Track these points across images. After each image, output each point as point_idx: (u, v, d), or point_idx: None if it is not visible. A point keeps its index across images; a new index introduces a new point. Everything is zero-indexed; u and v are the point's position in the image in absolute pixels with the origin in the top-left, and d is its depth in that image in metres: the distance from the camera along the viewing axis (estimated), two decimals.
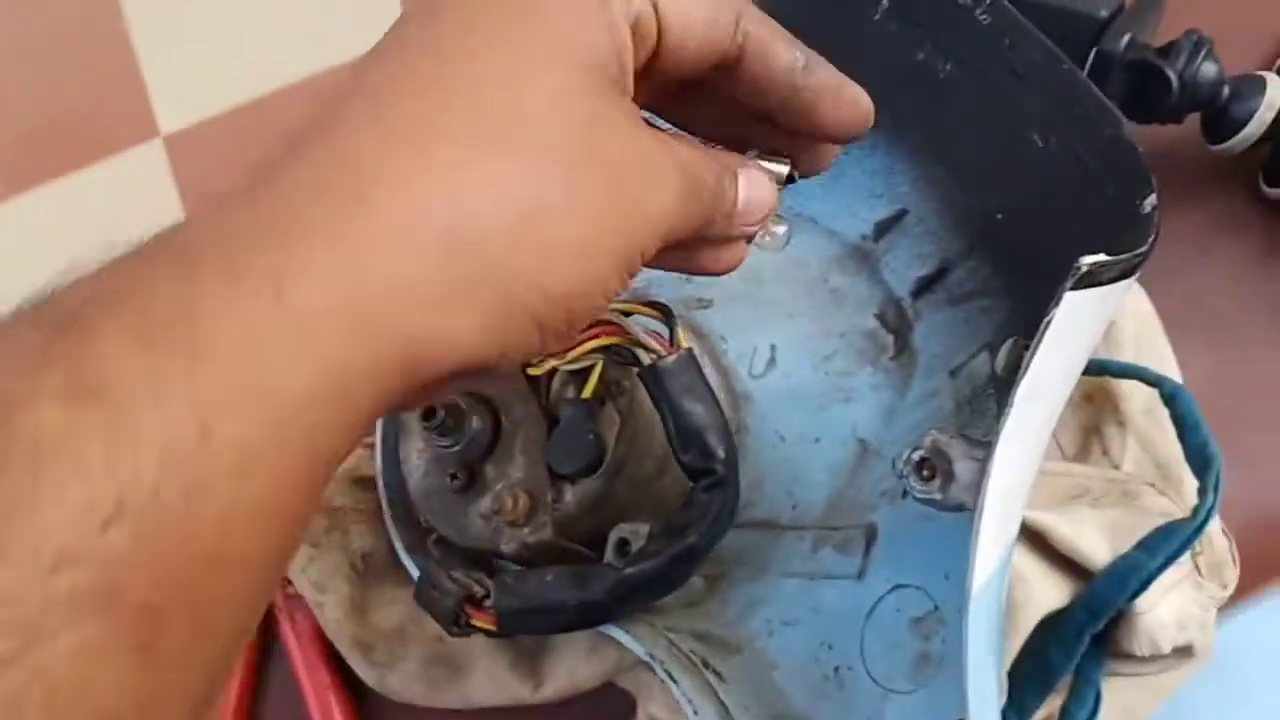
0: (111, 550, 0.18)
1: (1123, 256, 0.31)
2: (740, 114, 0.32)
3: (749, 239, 0.33)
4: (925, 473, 0.33)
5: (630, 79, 0.28)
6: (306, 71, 0.95)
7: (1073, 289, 0.30)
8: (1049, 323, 0.30)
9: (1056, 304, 0.30)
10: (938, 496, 0.33)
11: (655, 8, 0.28)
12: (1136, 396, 0.44)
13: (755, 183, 0.32)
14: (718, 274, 0.33)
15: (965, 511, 0.33)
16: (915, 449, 0.33)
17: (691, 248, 0.32)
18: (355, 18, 0.81)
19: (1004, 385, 0.40)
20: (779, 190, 0.33)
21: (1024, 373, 0.30)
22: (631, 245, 0.27)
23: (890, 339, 0.46)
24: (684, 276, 0.49)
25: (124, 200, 1.01)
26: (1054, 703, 0.42)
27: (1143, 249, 0.32)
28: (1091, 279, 0.31)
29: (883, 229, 0.47)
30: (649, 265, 0.29)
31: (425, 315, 0.23)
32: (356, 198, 0.22)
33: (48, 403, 0.18)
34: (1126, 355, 0.44)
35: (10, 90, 0.89)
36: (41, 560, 0.17)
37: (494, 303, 0.24)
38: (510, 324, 0.24)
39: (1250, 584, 0.47)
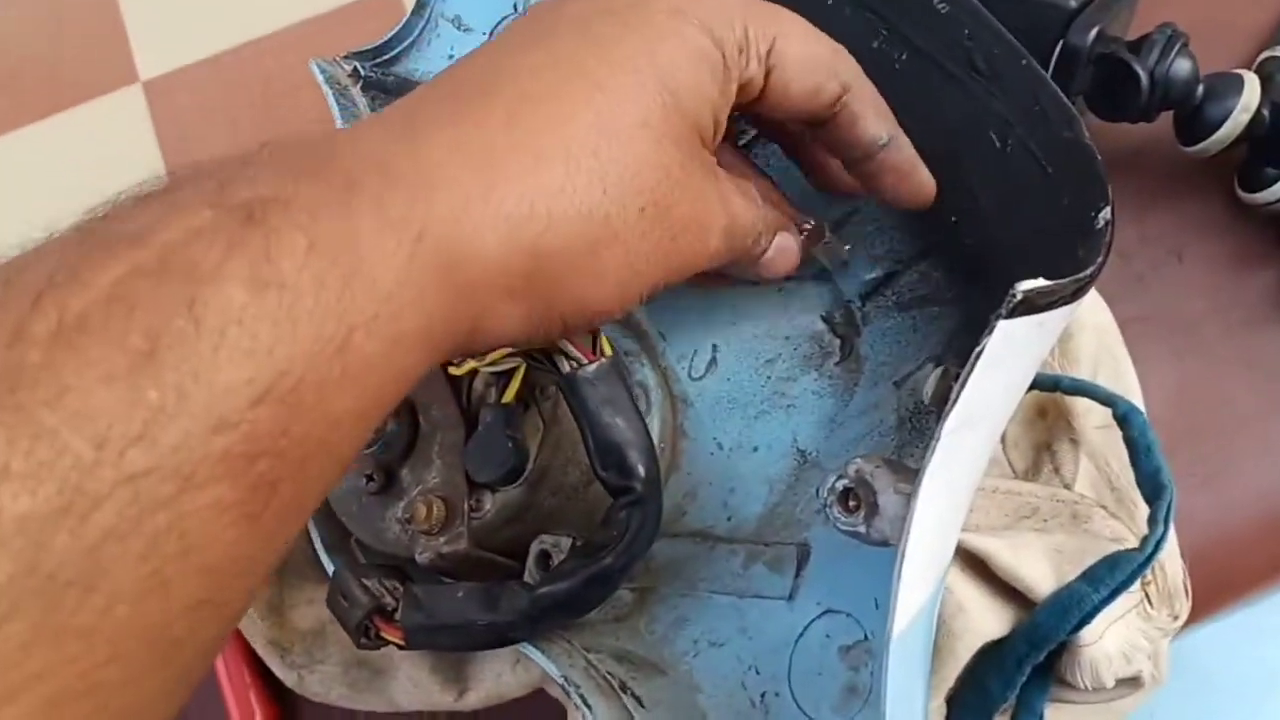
0: (257, 425, 0.20)
1: (1064, 281, 0.29)
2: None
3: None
4: (851, 503, 0.31)
5: (720, 132, 0.31)
6: (285, 21, 0.93)
7: (1008, 317, 0.28)
8: (980, 352, 0.28)
9: (990, 333, 0.28)
10: (862, 529, 0.31)
11: (767, 74, 0.31)
12: (1093, 413, 0.42)
13: (785, 249, 0.35)
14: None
15: (889, 548, 0.31)
16: (840, 477, 0.31)
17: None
18: None
19: (945, 394, 0.38)
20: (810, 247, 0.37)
21: (952, 405, 0.28)
22: (665, 280, 0.30)
23: (837, 343, 0.43)
24: None
25: (103, 144, 1.01)
26: None
27: (1087, 271, 0.30)
28: (1029, 306, 0.28)
29: (834, 227, 0.45)
30: None
31: (500, 298, 0.27)
32: (484, 182, 0.26)
33: (234, 285, 0.21)
34: (1083, 370, 0.42)
35: None
36: (209, 420, 0.20)
37: (542, 304, 0.28)
38: (546, 323, 0.28)
39: (1211, 602, 0.45)
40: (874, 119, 0.35)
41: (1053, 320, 0.31)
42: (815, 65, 0.33)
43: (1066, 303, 0.30)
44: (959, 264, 0.41)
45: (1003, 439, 0.41)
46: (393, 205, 0.24)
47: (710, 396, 0.44)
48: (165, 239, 0.21)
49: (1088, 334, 0.42)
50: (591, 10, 0.30)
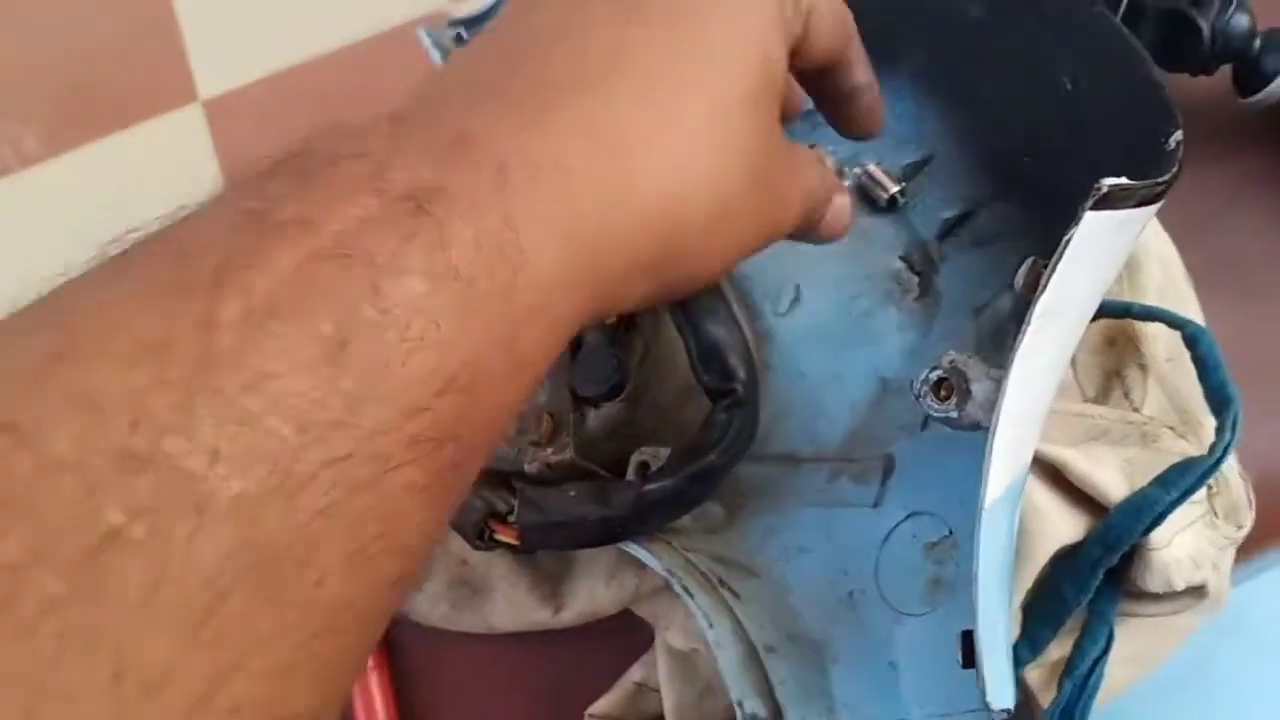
0: (442, 413, 0.21)
1: (1143, 182, 0.31)
2: None
3: None
4: (943, 392, 0.34)
5: (784, 84, 0.31)
6: (346, 39, 0.95)
7: (1093, 209, 0.31)
8: (1069, 241, 0.30)
9: (1076, 223, 0.31)
10: (954, 415, 0.34)
11: (805, 29, 0.32)
12: (1160, 342, 0.44)
13: (841, 208, 0.36)
14: None
15: (980, 430, 0.33)
16: (933, 369, 0.34)
17: None
18: None
19: (1023, 313, 0.41)
20: None
21: (1042, 289, 0.31)
22: (756, 251, 0.31)
23: (915, 280, 0.46)
24: None
25: (162, 164, 1.02)
26: (1066, 643, 0.42)
27: (1164, 177, 0.33)
28: (1111, 201, 0.31)
29: (910, 172, 0.47)
30: None
31: (631, 279, 0.27)
32: (622, 171, 0.26)
33: (413, 276, 0.21)
34: (1150, 300, 0.44)
35: (51, 52, 0.91)
36: (401, 406, 0.20)
37: (660, 280, 0.28)
38: (660, 294, 0.29)
39: (1269, 537, 0.47)
40: (864, 65, 0.36)
41: (1131, 221, 0.33)
42: (839, 17, 0.34)
43: (1144, 204, 0.33)
44: (1032, 200, 0.44)
45: (1073, 364, 0.44)
46: (541, 199, 0.24)
47: (794, 331, 0.47)
48: (338, 227, 0.21)
49: (1155, 266, 0.44)
50: None
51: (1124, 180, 0.31)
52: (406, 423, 0.21)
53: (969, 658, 0.31)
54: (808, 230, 0.35)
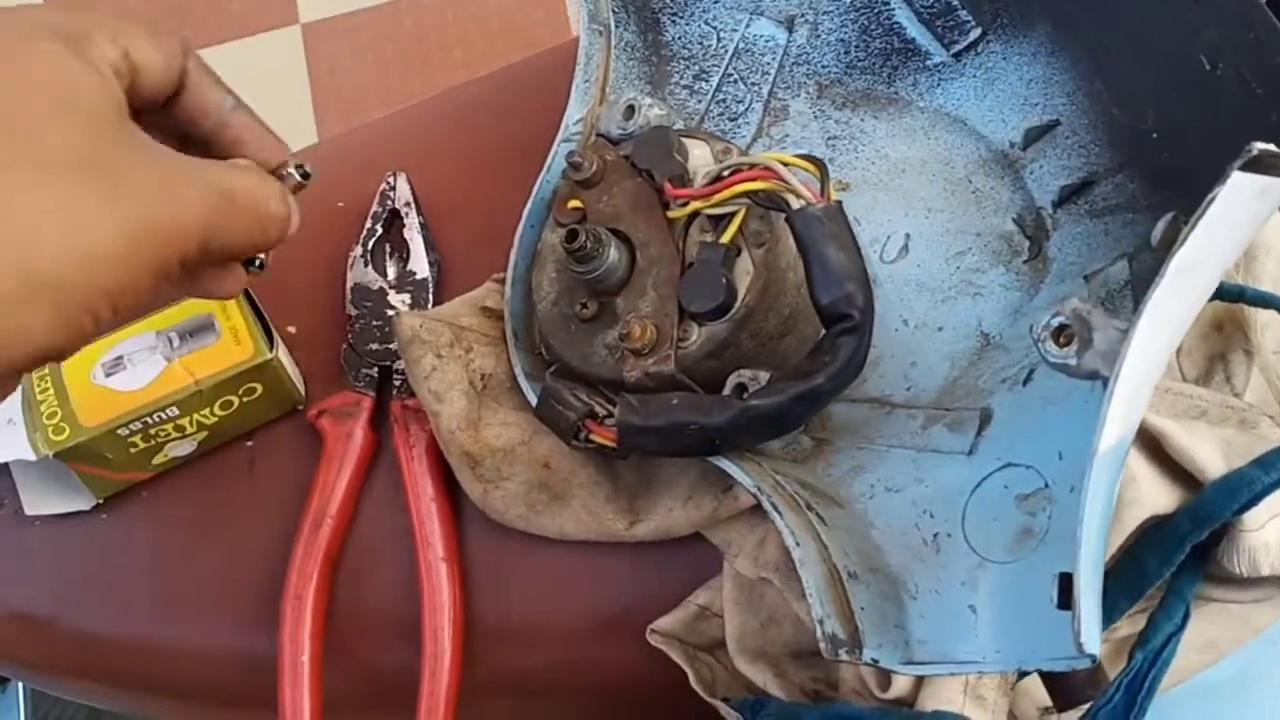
0: None
1: None
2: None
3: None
4: (1062, 339, 0.34)
5: (126, 110, 0.34)
6: None
7: (1241, 169, 0.31)
8: (1213, 198, 0.30)
9: (1223, 182, 0.30)
10: (1072, 362, 0.34)
11: (126, 54, 0.35)
12: (1269, 332, 0.44)
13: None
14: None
15: (1097, 379, 0.33)
16: (1055, 315, 0.34)
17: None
18: None
19: (1143, 284, 0.41)
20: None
21: (1182, 243, 0.31)
22: (161, 253, 0.32)
23: (1026, 243, 0.46)
24: (825, 153, 0.50)
25: (259, 78, 1.04)
26: (1137, 620, 0.42)
27: None
28: (1259, 165, 0.31)
29: (1032, 137, 0.47)
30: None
31: None
32: None
33: None
34: (1265, 287, 0.44)
35: None
36: None
37: (53, 304, 0.30)
38: (70, 318, 0.31)
39: None
40: (217, 84, 0.39)
41: (1271, 191, 0.33)
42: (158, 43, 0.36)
43: None
44: (1156, 177, 0.43)
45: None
46: None
47: (900, 279, 0.47)
48: None
49: (1272, 257, 0.44)
50: None
51: (1273, 147, 0.31)
52: None
53: (1065, 599, 0.31)
54: (272, 225, 0.37)
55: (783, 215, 0.39)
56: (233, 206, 0.35)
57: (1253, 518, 0.39)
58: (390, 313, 0.53)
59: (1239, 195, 0.31)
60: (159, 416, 0.48)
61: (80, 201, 0.30)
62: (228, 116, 0.39)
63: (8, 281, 0.29)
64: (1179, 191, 0.42)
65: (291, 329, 0.55)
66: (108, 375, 0.49)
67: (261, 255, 0.40)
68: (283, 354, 0.51)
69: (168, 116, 0.38)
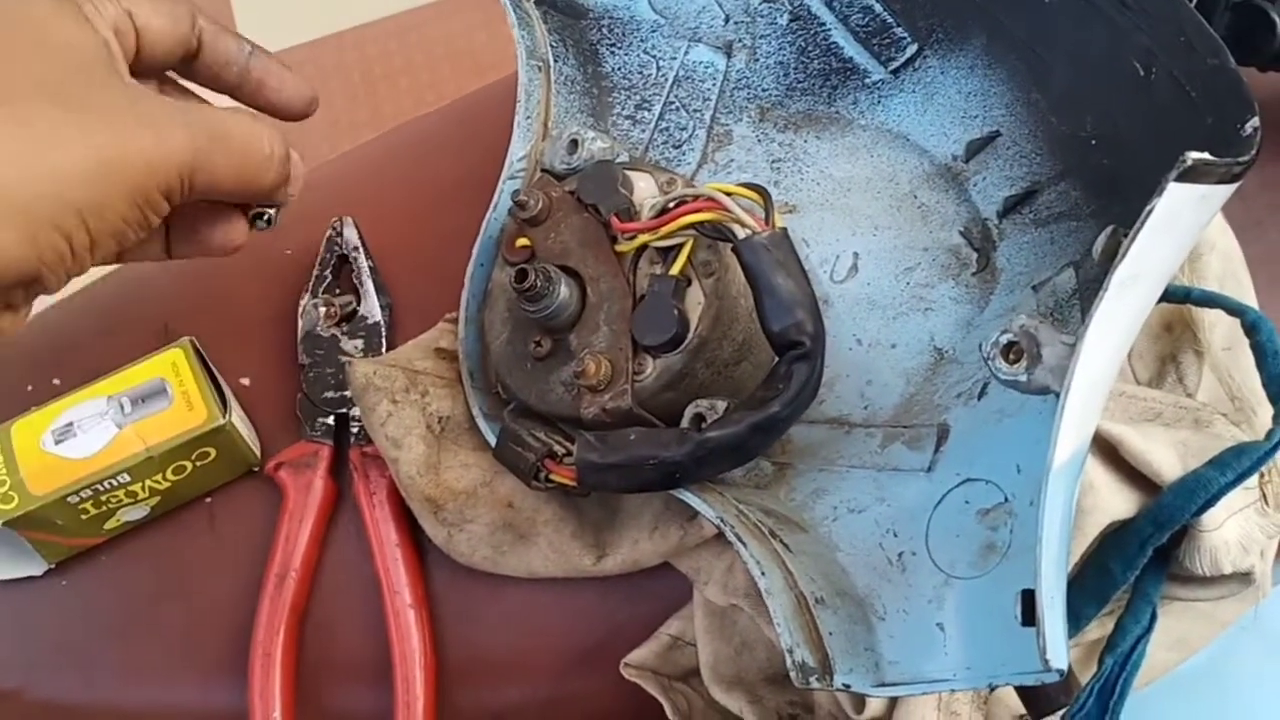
0: None
1: (1225, 160, 0.32)
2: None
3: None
4: (1011, 356, 0.34)
5: (123, 65, 0.37)
6: (386, 10, 0.95)
7: (1176, 180, 0.31)
8: (1150, 210, 0.31)
9: (1159, 194, 0.31)
10: (1022, 378, 0.34)
11: (130, 16, 0.37)
12: (1217, 330, 0.44)
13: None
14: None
15: (1048, 395, 0.33)
16: (1004, 332, 0.34)
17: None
18: None
19: (1090, 293, 0.41)
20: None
21: (1122, 256, 0.31)
22: (136, 179, 0.34)
23: (973, 256, 0.46)
24: (770, 176, 0.50)
25: None
26: (1105, 624, 0.43)
27: (1245, 157, 0.33)
28: (1194, 175, 0.31)
29: (974, 149, 0.47)
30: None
31: None
32: None
33: None
34: (1210, 288, 0.44)
35: None
36: None
37: (20, 216, 0.31)
38: (39, 234, 0.32)
39: None
40: (232, 36, 0.42)
41: (1209, 198, 0.33)
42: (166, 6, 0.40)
43: (1224, 181, 0.33)
44: (1098, 183, 0.44)
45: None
46: None
47: (851, 298, 0.47)
48: None
49: (1216, 255, 0.45)
50: None
51: (1207, 155, 0.31)
52: None
53: (1029, 616, 0.32)
54: (266, 166, 0.39)
55: (729, 245, 0.39)
56: (220, 145, 0.36)
57: (1211, 518, 0.40)
58: (343, 359, 0.52)
59: (1177, 205, 0.32)
60: (110, 483, 0.48)
61: (45, 124, 0.32)
62: (248, 61, 0.42)
63: None
64: (1121, 197, 0.43)
65: (245, 381, 0.54)
66: (58, 442, 0.48)
67: (270, 211, 0.42)
68: (236, 417, 0.50)
69: (197, 74, 0.41)
